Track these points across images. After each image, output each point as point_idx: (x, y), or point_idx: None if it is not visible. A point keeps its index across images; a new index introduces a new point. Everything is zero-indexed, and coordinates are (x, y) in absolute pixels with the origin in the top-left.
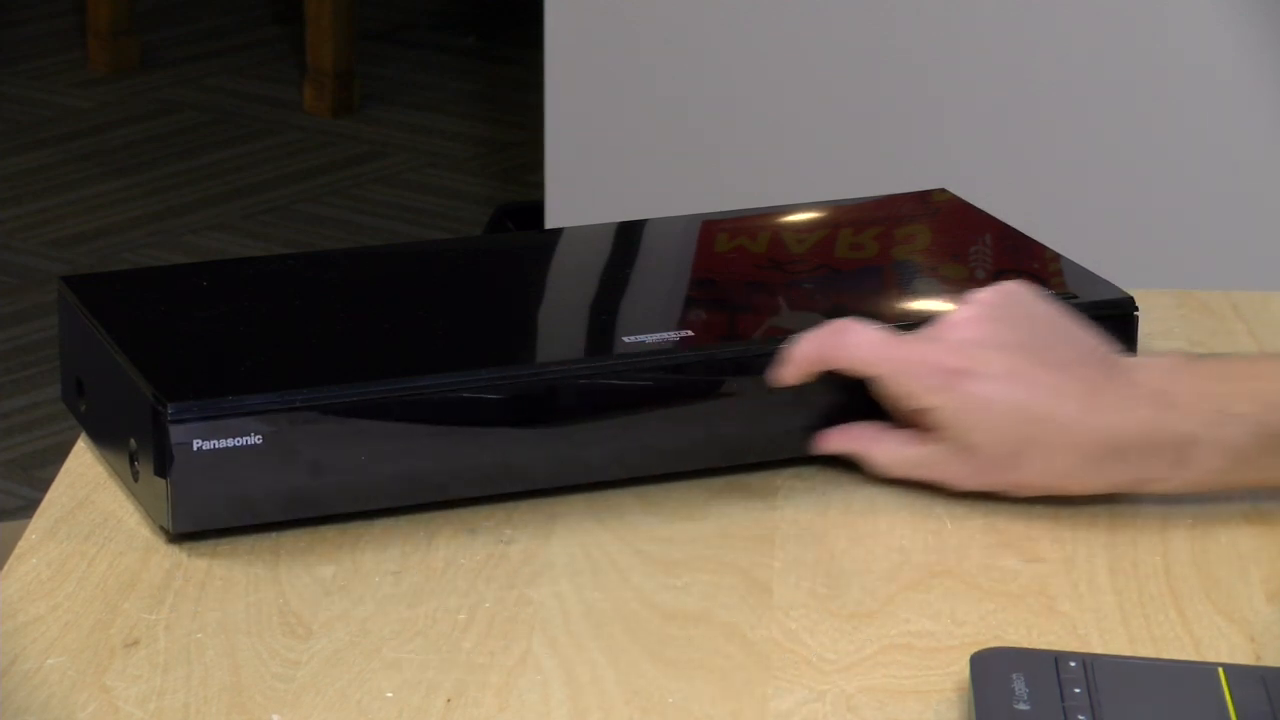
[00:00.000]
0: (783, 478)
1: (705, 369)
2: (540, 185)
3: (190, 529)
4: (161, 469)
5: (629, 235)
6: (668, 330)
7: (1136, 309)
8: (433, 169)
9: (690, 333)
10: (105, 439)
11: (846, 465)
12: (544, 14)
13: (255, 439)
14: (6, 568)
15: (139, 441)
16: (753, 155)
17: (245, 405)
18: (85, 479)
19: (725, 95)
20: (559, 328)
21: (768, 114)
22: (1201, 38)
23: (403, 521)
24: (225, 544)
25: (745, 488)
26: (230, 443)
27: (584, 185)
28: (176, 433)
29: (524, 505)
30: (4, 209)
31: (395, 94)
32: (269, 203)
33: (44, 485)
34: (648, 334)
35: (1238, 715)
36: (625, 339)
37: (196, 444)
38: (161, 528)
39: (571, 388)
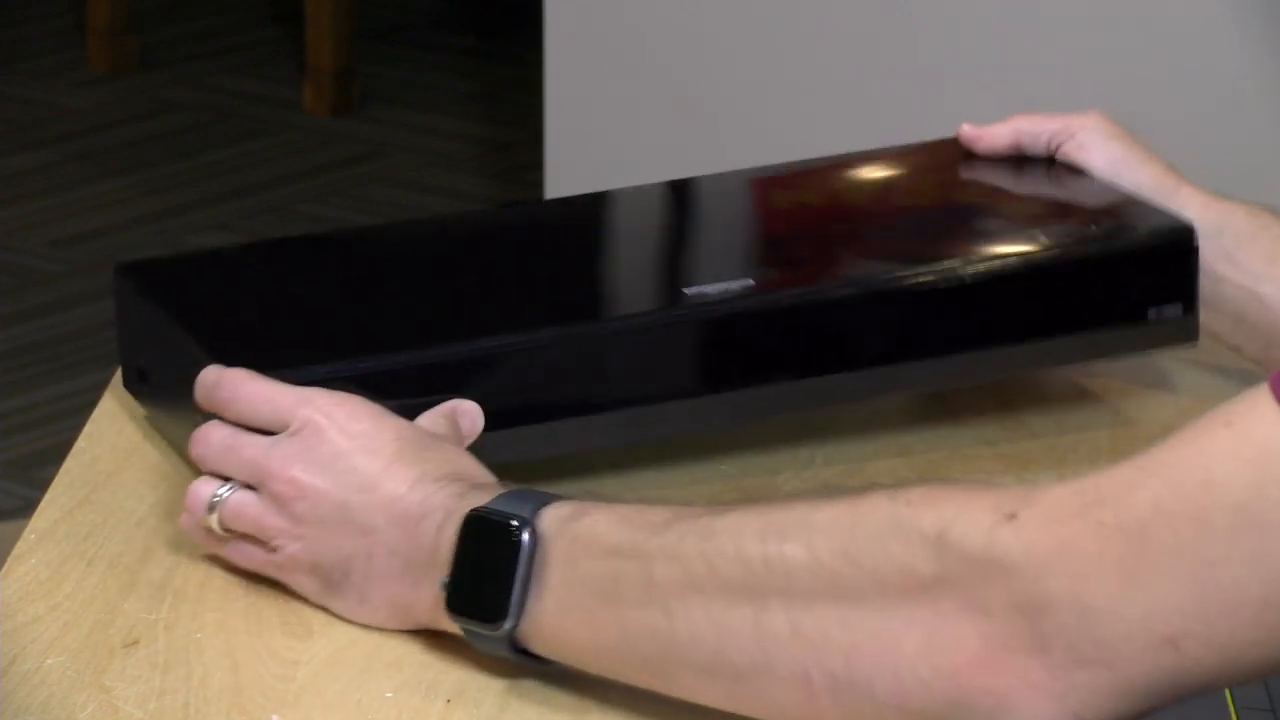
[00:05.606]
0: (783, 478)
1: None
2: (540, 185)
3: None
4: None
5: (687, 191)
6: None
7: (1196, 240)
8: (433, 169)
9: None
10: (176, 422)
11: (846, 466)
12: (544, 14)
13: None
14: (6, 568)
15: None
16: (754, 155)
17: (327, 375)
18: (85, 479)
19: (725, 95)
20: (615, 284)
21: (768, 113)
22: (1207, 37)
23: None
24: None
25: (745, 488)
26: None
27: (584, 185)
28: None
29: None
30: (3, 209)
31: (395, 94)
32: (268, 203)
33: (43, 485)
34: (712, 284)
35: (1238, 715)
36: (687, 290)
37: None
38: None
39: (638, 342)
